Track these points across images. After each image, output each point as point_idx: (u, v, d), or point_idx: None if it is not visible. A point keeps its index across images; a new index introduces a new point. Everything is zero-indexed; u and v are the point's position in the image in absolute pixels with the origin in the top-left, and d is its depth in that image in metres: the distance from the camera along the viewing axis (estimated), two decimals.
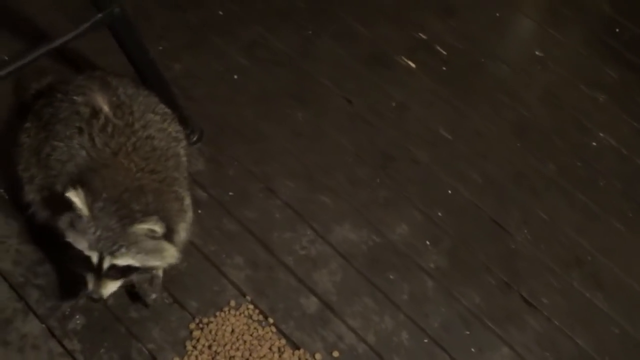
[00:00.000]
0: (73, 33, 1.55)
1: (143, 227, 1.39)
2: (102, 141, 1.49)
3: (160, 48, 2.03)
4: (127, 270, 1.43)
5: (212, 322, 1.67)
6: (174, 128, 1.68)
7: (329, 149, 2.02)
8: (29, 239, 1.74)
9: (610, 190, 2.03)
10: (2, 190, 1.80)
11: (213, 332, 1.66)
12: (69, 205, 1.38)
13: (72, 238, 1.42)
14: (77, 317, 1.66)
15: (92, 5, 1.53)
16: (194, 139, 1.94)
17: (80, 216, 1.38)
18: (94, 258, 1.40)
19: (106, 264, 1.40)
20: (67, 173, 1.49)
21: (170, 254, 1.47)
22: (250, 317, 1.70)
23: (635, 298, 1.86)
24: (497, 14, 2.30)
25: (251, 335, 1.67)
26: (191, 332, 1.66)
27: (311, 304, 1.75)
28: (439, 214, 1.93)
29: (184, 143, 1.71)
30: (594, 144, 2.11)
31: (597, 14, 2.35)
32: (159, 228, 1.39)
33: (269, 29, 2.22)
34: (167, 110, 1.70)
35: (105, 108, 1.53)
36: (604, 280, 1.87)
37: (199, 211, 1.78)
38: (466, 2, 2.32)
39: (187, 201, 1.60)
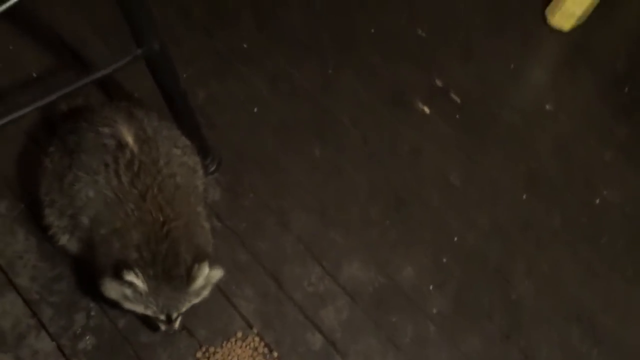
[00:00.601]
0: (112, 67, 1.56)
1: (197, 282, 1.47)
2: (129, 180, 1.50)
3: (185, 75, 2.05)
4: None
5: (218, 352, 1.69)
6: (193, 160, 1.70)
7: (344, 186, 2.04)
8: (47, 256, 1.75)
9: (613, 246, 2.04)
10: (23, 206, 1.82)
11: None
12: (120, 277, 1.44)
13: (129, 306, 1.50)
14: (88, 337, 1.68)
15: (134, 39, 1.55)
16: (212, 168, 1.96)
17: (137, 291, 1.44)
18: (162, 317, 1.50)
19: (174, 316, 1.51)
20: (94, 211, 1.52)
21: (217, 275, 1.54)
22: (255, 349, 1.71)
23: (631, 354, 1.87)
24: (512, 65, 2.32)
25: None
26: (197, 359, 1.68)
27: (316, 340, 1.76)
28: (445, 260, 1.95)
29: (200, 173, 1.74)
30: (599, 199, 2.13)
31: (610, 70, 2.37)
32: (207, 270, 1.47)
33: (293, 61, 2.24)
34: (187, 142, 1.72)
35: (131, 142, 1.54)
36: (601, 337, 1.88)
37: (212, 240, 1.80)
38: (485, 49, 2.34)
39: (208, 227, 1.65)
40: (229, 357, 1.68)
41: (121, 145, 1.54)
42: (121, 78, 2.04)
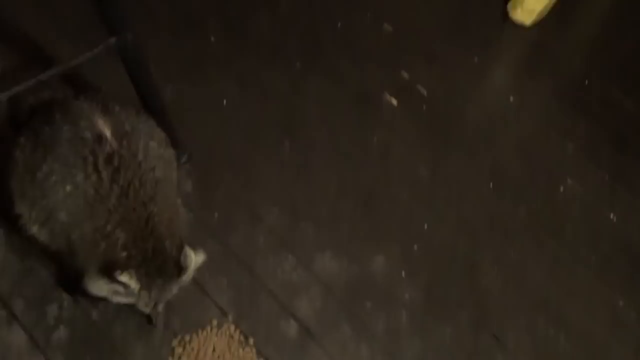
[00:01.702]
0: (84, 57, 1.57)
1: (188, 272, 1.51)
2: (109, 175, 1.48)
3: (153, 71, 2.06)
4: None
5: (194, 340, 1.68)
6: (169, 152, 1.69)
7: (314, 180, 2.06)
8: (16, 249, 1.74)
9: (576, 236, 2.10)
10: None
11: (195, 350, 1.67)
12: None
13: (119, 300, 1.53)
14: (62, 329, 1.65)
15: (107, 29, 1.56)
16: (184, 160, 1.95)
17: (128, 288, 1.47)
18: (149, 308, 1.55)
19: (161, 304, 1.56)
20: (73, 206, 1.50)
21: (201, 260, 1.56)
22: (231, 337, 1.71)
23: (595, 339, 1.91)
24: (476, 59, 2.38)
25: (232, 355, 1.68)
26: (173, 349, 1.67)
27: (291, 328, 1.77)
28: (415, 248, 1.98)
29: (175, 165, 1.74)
30: (562, 190, 2.19)
31: (569, 66, 2.45)
32: (194, 259, 1.50)
33: (261, 62, 2.27)
34: (163, 134, 1.71)
35: (110, 136, 1.51)
36: (567, 322, 1.92)
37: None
38: (449, 43, 2.40)
39: (185, 218, 1.70)
40: (205, 346, 1.68)
41: (100, 138, 1.50)
42: (89, 75, 2.03)
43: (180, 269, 1.51)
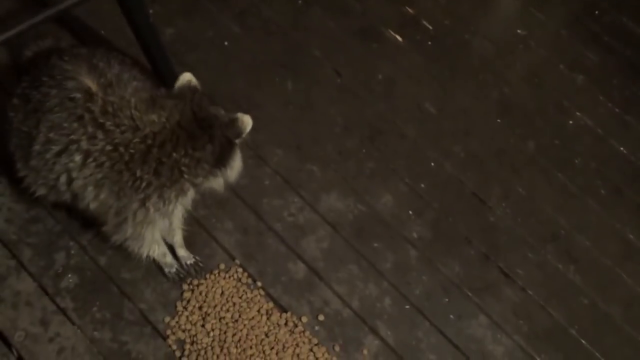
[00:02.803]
0: None
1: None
2: (111, 122, 1.45)
3: (152, 11, 2.02)
4: None
5: (202, 284, 1.71)
6: (150, 85, 1.64)
7: (318, 119, 2.05)
8: (21, 198, 1.74)
9: (586, 169, 2.09)
10: None
11: (203, 294, 1.70)
12: None
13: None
14: (70, 275, 1.68)
15: None
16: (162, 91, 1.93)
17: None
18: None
19: None
20: (97, 172, 1.47)
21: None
22: (239, 280, 1.74)
23: (605, 272, 1.93)
24: None
25: (240, 297, 1.71)
26: (182, 293, 1.70)
27: (299, 269, 1.79)
28: (423, 185, 1.98)
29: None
30: (572, 123, 2.17)
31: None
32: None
33: None
34: (143, 76, 1.64)
35: (95, 88, 1.49)
36: (577, 255, 1.94)
37: None
38: None
39: None
40: (213, 289, 1.70)
41: (89, 94, 1.48)
42: (88, 18, 2.01)
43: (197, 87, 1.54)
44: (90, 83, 1.50)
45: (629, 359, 1.80)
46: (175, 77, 1.83)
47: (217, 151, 1.47)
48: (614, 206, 2.03)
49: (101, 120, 1.45)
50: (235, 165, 1.54)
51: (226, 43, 2.13)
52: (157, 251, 1.65)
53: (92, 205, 1.52)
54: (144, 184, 1.45)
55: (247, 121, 1.50)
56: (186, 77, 1.53)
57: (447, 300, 1.81)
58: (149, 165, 1.44)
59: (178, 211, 1.57)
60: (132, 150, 1.44)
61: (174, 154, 1.43)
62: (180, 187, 1.48)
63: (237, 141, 1.51)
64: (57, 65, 1.57)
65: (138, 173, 1.44)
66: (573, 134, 2.15)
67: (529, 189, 2.03)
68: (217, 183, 1.54)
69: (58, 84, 1.52)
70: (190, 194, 1.53)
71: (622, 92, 2.23)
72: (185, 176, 1.46)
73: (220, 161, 1.49)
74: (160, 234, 1.62)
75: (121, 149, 1.44)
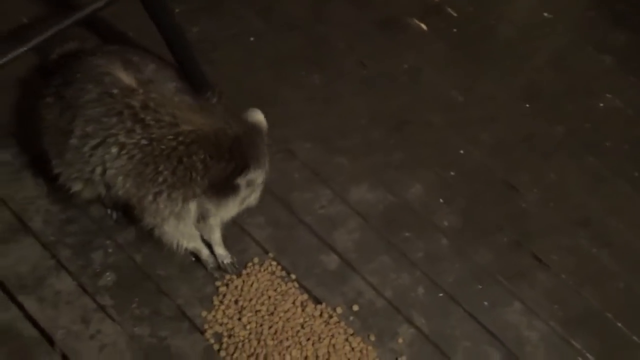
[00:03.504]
0: (101, 2, 1.58)
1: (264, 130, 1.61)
2: (151, 117, 1.49)
3: (177, 10, 2.07)
4: None
5: (237, 278, 1.75)
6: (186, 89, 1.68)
7: (345, 111, 2.08)
8: (57, 200, 1.80)
9: (617, 151, 2.10)
10: (30, 154, 1.86)
11: (239, 288, 1.74)
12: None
13: (245, 204, 1.62)
14: (108, 274, 1.73)
15: None
16: (214, 100, 1.96)
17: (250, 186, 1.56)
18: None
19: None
20: (130, 164, 1.52)
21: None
22: (273, 273, 1.78)
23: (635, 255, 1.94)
24: None
25: (275, 290, 1.75)
26: (217, 288, 1.74)
27: (331, 260, 1.83)
28: (452, 174, 2.01)
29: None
30: (602, 105, 2.18)
31: None
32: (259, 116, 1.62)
33: None
34: (178, 78, 1.69)
35: (136, 85, 1.53)
36: (610, 239, 1.95)
37: None
38: None
39: None
40: (248, 282, 1.75)
41: (129, 90, 1.53)
42: (112, 19, 2.07)
43: (259, 131, 1.59)
44: (128, 79, 1.55)
45: None
46: (202, 75, 1.91)
47: (222, 175, 1.51)
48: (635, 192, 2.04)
49: (142, 116, 1.50)
50: (226, 209, 1.59)
51: (251, 39, 2.17)
52: (187, 245, 1.69)
53: (120, 192, 1.58)
54: (160, 179, 1.51)
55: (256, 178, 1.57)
56: (257, 115, 1.61)
57: (480, 287, 1.84)
58: (171, 162, 1.49)
59: (187, 215, 1.59)
60: (162, 146, 1.49)
61: (194, 156, 1.48)
62: (186, 191, 1.52)
63: (239, 187, 1.55)
64: (90, 62, 1.62)
65: (160, 168, 1.50)
66: (603, 116, 2.16)
67: (560, 174, 2.05)
68: (208, 210, 1.59)
69: (93, 80, 1.56)
70: (193, 205, 1.56)
71: None
72: (193, 182, 1.51)
73: (214, 188, 1.52)
74: (188, 229, 1.65)
75: (155, 143, 1.49)
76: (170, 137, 1.48)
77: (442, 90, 2.15)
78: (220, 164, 1.50)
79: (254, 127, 1.59)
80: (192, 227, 1.64)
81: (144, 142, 1.50)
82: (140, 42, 2.03)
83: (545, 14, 2.28)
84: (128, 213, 1.71)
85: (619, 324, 1.82)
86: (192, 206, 1.56)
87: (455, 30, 2.22)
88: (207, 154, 1.48)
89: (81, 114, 1.55)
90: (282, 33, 2.20)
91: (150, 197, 1.54)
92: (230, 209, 1.60)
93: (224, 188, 1.53)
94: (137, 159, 1.51)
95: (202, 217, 1.62)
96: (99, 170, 1.57)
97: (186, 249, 1.70)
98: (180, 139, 1.48)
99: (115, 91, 1.53)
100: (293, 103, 2.08)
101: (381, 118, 2.08)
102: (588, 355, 1.76)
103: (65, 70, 1.67)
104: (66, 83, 1.62)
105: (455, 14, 2.24)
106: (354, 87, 2.13)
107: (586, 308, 1.84)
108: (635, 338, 1.80)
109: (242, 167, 1.51)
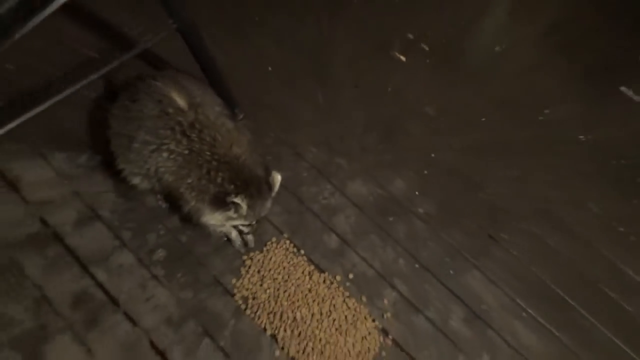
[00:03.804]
0: (156, 38, 1.67)
1: (276, 187, 1.70)
2: (196, 136, 1.62)
3: (210, 43, 2.20)
4: None
5: (259, 253, 1.85)
6: (225, 111, 1.82)
7: (343, 122, 2.16)
8: (121, 194, 1.89)
9: (566, 152, 2.19)
10: (100, 157, 1.95)
11: (260, 261, 1.84)
12: (223, 203, 1.64)
13: (232, 223, 1.69)
14: (159, 250, 1.84)
15: (168, 15, 1.66)
16: (241, 117, 2.08)
17: (240, 210, 1.63)
18: (251, 223, 1.73)
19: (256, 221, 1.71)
20: (173, 166, 1.64)
21: (279, 178, 1.75)
22: (287, 249, 1.88)
23: (583, 240, 2.04)
24: (467, 18, 2.45)
25: (288, 263, 1.85)
26: (244, 261, 1.84)
27: (332, 240, 1.92)
28: (426, 172, 2.10)
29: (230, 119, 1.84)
30: (545, 115, 2.28)
31: (551, 11, 2.48)
32: (278, 177, 1.69)
33: (294, 20, 2.31)
34: (219, 99, 1.83)
35: (187, 107, 1.64)
36: (558, 225, 2.04)
37: None
38: (445, 13, 2.44)
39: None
40: (268, 257, 1.85)
41: (181, 111, 1.64)
42: (163, 55, 2.16)
43: (270, 187, 1.68)
44: (181, 101, 1.65)
45: (598, 304, 1.92)
46: (229, 93, 1.99)
47: (224, 192, 1.63)
48: (587, 186, 2.13)
49: (188, 133, 1.62)
50: (212, 217, 1.69)
51: (266, 62, 2.24)
52: (219, 229, 1.78)
53: (165, 184, 1.71)
54: (189, 180, 1.64)
55: (276, 178, 1.69)
56: (277, 177, 1.73)
57: (447, 260, 1.94)
58: (201, 170, 1.63)
59: (204, 211, 1.70)
60: (199, 158, 1.61)
61: (220, 173, 1.62)
62: (202, 196, 1.65)
63: (228, 205, 1.65)
64: (151, 84, 1.72)
65: (191, 172, 1.63)
66: (546, 124, 2.25)
67: (518, 171, 2.13)
68: (205, 210, 1.69)
69: (154, 100, 1.67)
70: (206, 209, 1.68)
71: (585, 91, 2.33)
72: (207, 191, 1.64)
73: (214, 202, 1.65)
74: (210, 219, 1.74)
75: (193, 154, 1.62)
76: (208, 153, 1.61)
77: (418, 107, 2.23)
78: (231, 187, 1.63)
79: (269, 182, 1.70)
80: (212, 218, 1.73)
81: (186, 151, 1.62)
82: (181, 68, 2.10)
83: (497, 49, 2.35)
84: (174, 204, 1.81)
85: (558, 290, 1.92)
86: (207, 210, 1.67)
87: (427, 61, 2.29)
88: (229, 176, 1.62)
89: (143, 125, 1.67)
90: (293, 57, 2.27)
91: (181, 190, 1.67)
92: (215, 218, 1.70)
93: (218, 201, 1.64)
94: (179, 162, 1.64)
95: (193, 215, 1.72)
96: (153, 167, 1.68)
97: (220, 232, 1.81)
98: (215, 157, 1.61)
99: (170, 110, 1.64)
100: (301, 114, 2.15)
101: (372, 128, 2.16)
102: (530, 311, 1.86)
103: (131, 89, 1.76)
104: (132, 100, 1.72)
105: (427, 49, 2.31)
106: (350, 103, 2.21)
107: (531, 277, 1.93)
108: (569, 300, 1.91)
109: (238, 192, 1.62)
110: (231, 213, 1.66)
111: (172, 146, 1.63)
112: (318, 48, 2.29)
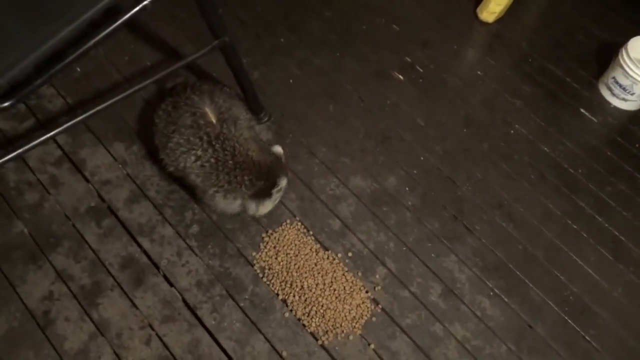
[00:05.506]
0: (199, 54, 1.53)
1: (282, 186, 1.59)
2: (220, 146, 1.48)
3: (245, 61, 2.00)
4: None
5: (275, 232, 1.71)
6: (250, 122, 1.66)
7: (349, 129, 2.01)
8: (165, 178, 1.76)
9: (521, 162, 2.01)
10: (148, 148, 1.82)
11: (276, 239, 1.69)
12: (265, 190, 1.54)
13: (262, 209, 1.58)
14: (194, 226, 1.69)
15: (210, 34, 1.51)
16: (265, 119, 1.93)
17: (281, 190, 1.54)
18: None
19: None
20: (198, 170, 1.51)
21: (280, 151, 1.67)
22: (298, 230, 1.73)
23: (533, 228, 1.86)
24: (455, 46, 2.25)
25: (299, 241, 1.70)
26: (262, 238, 1.70)
27: (336, 224, 1.77)
28: (415, 172, 1.93)
29: (255, 127, 1.70)
30: (512, 132, 2.09)
31: (518, 49, 2.29)
32: (285, 180, 1.59)
33: (313, 51, 2.18)
34: (246, 112, 1.66)
35: (215, 121, 1.50)
36: (515, 217, 1.88)
37: None
38: (436, 37, 2.25)
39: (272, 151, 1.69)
40: (283, 235, 1.70)
41: (210, 124, 1.50)
42: (204, 66, 2.01)
43: (281, 159, 1.61)
44: (212, 115, 1.51)
45: (546, 283, 1.75)
46: (260, 102, 1.84)
47: (263, 189, 1.51)
48: (540, 186, 1.95)
49: (213, 143, 1.47)
50: (264, 207, 1.57)
51: (291, 81, 2.10)
52: (229, 212, 1.63)
53: (192, 183, 1.56)
54: (219, 185, 1.50)
55: (283, 184, 1.56)
56: (278, 149, 1.62)
57: (429, 245, 1.78)
58: (229, 176, 1.48)
59: (233, 206, 1.56)
60: (223, 166, 1.47)
61: (245, 176, 1.48)
62: (236, 195, 1.51)
63: (274, 195, 1.54)
64: (190, 96, 1.57)
65: (220, 178, 1.49)
66: (513, 139, 2.07)
67: (484, 174, 1.97)
68: (250, 207, 1.56)
69: (190, 111, 1.52)
70: (238, 202, 1.54)
71: (545, 112, 2.13)
72: (240, 191, 1.50)
73: (256, 196, 1.52)
74: (230, 210, 1.61)
75: (219, 162, 1.48)
76: (230, 162, 1.46)
77: (411, 118, 2.07)
78: (260, 182, 1.49)
79: (278, 156, 1.58)
80: (234, 209, 1.60)
81: (212, 160, 1.47)
82: (220, 79, 1.98)
83: (478, 72, 2.18)
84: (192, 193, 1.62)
85: (518, 272, 1.76)
86: (237, 202, 1.54)
87: (421, 80, 2.13)
88: (253, 176, 1.48)
89: (178, 130, 1.52)
90: (312, 78, 2.12)
91: (210, 192, 1.52)
92: (267, 207, 1.59)
93: (263, 196, 1.52)
94: (206, 168, 1.48)
95: (244, 210, 1.59)
96: (182, 166, 1.54)
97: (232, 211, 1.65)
98: (237, 165, 1.47)
99: (201, 122, 1.49)
100: (316, 122, 2.00)
101: (371, 134, 2.01)
102: (496, 290, 1.71)
103: (175, 97, 1.62)
104: (173, 107, 1.58)
105: (421, 70, 2.15)
106: (355, 114, 2.05)
107: (497, 261, 1.78)
108: (526, 280, 1.74)
109: (274, 184, 1.50)
110: (276, 196, 1.56)
111: (199, 152, 1.49)
112: (332, 71, 2.14)
